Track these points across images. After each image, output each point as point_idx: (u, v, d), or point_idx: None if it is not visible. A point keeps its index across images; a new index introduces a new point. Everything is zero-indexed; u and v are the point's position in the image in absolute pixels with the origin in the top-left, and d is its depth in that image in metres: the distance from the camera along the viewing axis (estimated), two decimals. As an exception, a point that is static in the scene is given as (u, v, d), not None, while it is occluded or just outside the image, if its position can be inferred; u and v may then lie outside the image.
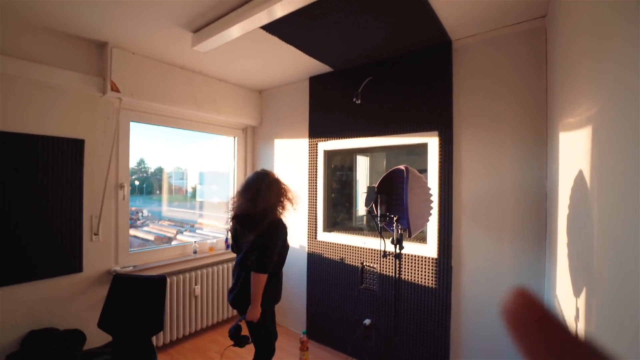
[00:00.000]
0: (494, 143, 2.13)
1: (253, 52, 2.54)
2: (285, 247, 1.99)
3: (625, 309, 0.76)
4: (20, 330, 2.10)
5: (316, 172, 3.05)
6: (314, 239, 3.04)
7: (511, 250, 2.06)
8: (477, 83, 2.20)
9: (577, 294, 1.19)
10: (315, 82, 3.08)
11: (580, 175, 1.18)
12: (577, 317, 1.17)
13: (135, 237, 3.53)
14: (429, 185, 2.10)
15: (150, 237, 3.55)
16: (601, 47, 0.97)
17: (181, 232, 3.89)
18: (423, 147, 2.43)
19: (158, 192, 3.92)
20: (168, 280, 2.69)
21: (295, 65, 2.81)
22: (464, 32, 2.17)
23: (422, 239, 2.44)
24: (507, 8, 1.89)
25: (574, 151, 1.29)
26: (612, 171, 0.88)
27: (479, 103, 2.19)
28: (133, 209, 3.66)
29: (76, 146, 2.33)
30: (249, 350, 2.77)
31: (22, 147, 2.09)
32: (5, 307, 2.04)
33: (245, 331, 1.93)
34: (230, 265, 3.35)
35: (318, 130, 3.05)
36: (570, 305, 1.28)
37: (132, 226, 3.54)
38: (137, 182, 3.52)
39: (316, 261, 3.02)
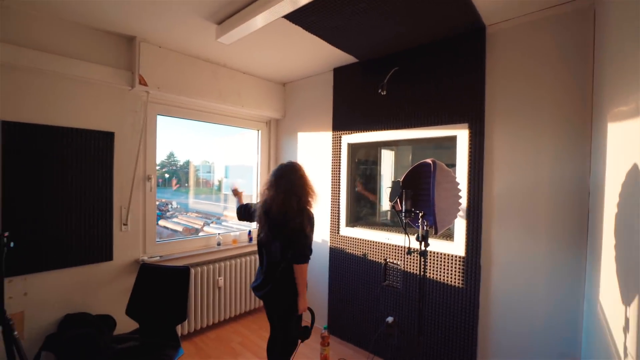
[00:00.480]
0: (531, 136, 1.98)
1: (276, 43, 2.51)
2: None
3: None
4: (58, 313, 2.22)
5: (339, 165, 3.00)
6: (336, 234, 3.00)
7: (547, 249, 1.92)
8: (512, 71, 2.05)
9: (626, 302, 1.07)
10: (339, 74, 3.01)
11: (634, 169, 1.06)
12: (625, 328, 1.06)
13: (165, 227, 3.66)
14: (458, 180, 1.99)
15: (179, 228, 3.65)
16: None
17: (208, 224, 3.98)
18: (451, 141, 2.31)
19: (186, 184, 4.03)
20: (192, 271, 2.76)
21: (319, 56, 2.76)
22: (499, 16, 2.02)
23: (448, 236, 2.34)
24: (550, -12, 1.73)
25: (626, 143, 1.16)
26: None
27: (514, 92, 2.04)
28: (163, 200, 3.79)
29: (107, 139, 2.41)
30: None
31: (57, 140, 2.19)
32: (44, 291, 2.16)
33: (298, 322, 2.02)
34: (254, 257, 3.39)
35: (342, 122, 2.98)
36: (617, 313, 1.16)
37: (162, 217, 3.67)
38: (167, 175, 3.63)
39: (338, 256, 2.98)
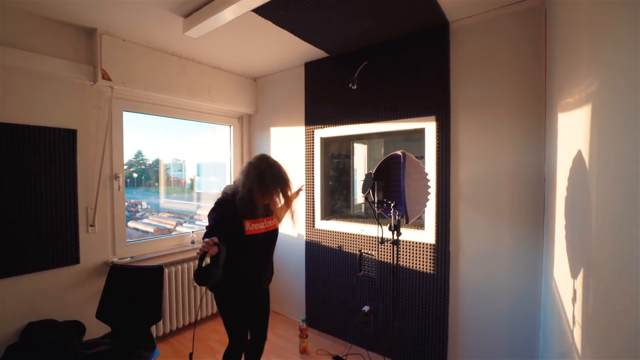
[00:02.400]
0: (492, 127, 2.10)
1: (247, 37, 2.48)
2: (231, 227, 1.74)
3: (623, 288, 0.75)
4: (19, 322, 2.10)
5: (313, 159, 3.02)
6: (311, 227, 3.03)
7: (509, 234, 2.06)
8: (474, 66, 2.16)
9: (574, 275, 1.18)
10: (311, 68, 3.03)
11: (579, 155, 1.16)
12: (574, 299, 1.17)
13: (135, 229, 3.52)
14: (427, 170, 2.07)
15: (150, 229, 3.54)
16: (603, 23, 0.94)
17: (181, 224, 3.88)
18: (420, 133, 2.40)
19: (156, 184, 3.90)
20: (166, 270, 2.69)
21: (290, 50, 2.76)
22: (461, 12, 2.12)
23: (419, 225, 2.44)
24: (506, -13, 1.84)
25: (572, 131, 1.27)
26: (611, 149, 0.86)
27: (476, 86, 2.16)
28: (132, 201, 3.65)
29: (68, 136, 2.29)
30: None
31: (13, 138, 2.05)
32: (4, 299, 2.03)
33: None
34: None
35: (314, 117, 3.00)
36: (567, 286, 1.27)
37: (132, 218, 3.53)
38: (135, 175, 3.49)
39: (314, 249, 3.02)
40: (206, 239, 1.54)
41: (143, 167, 3.65)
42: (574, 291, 1.16)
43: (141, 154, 3.44)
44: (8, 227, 2.04)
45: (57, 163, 2.23)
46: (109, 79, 2.37)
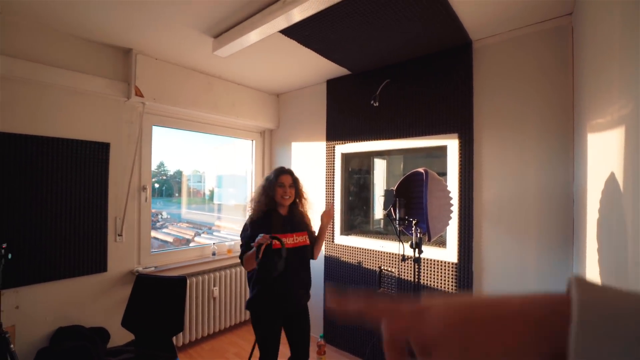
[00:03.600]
0: (517, 145, 2.07)
1: (272, 56, 2.58)
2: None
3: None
4: (49, 327, 2.18)
5: (333, 175, 3.05)
6: (331, 242, 3.03)
7: (536, 254, 1.99)
8: (498, 84, 2.15)
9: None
10: (333, 85, 3.09)
11: (612, 177, 1.13)
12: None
13: (155, 238, 3.62)
14: (449, 188, 2.06)
15: (170, 239, 3.63)
16: (635, 40, 0.93)
17: (199, 234, 3.96)
18: (442, 150, 2.39)
19: (177, 194, 4.02)
20: (188, 281, 2.75)
21: (313, 68, 2.83)
22: (484, 32, 2.13)
23: (441, 243, 2.40)
24: (530, 7, 1.84)
25: (604, 153, 1.24)
26: (649, 173, 0.84)
27: (500, 104, 2.14)
28: (153, 211, 3.77)
29: (102, 149, 2.41)
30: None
31: (53, 150, 2.19)
32: (37, 304, 2.13)
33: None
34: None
35: (335, 133, 3.05)
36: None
37: (152, 228, 3.64)
38: (156, 185, 3.62)
39: (333, 264, 3.01)
40: (260, 235, 1.68)
41: (165, 177, 3.78)
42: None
43: (163, 165, 3.57)
44: (43, 235, 2.15)
45: (91, 174, 2.36)
46: (142, 96, 2.51)
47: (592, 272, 1.38)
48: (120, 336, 2.35)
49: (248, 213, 1.97)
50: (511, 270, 2.08)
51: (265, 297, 1.78)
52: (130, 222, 2.57)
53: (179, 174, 3.96)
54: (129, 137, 2.56)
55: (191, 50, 2.49)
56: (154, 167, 2.78)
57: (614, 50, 1.14)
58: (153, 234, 3.56)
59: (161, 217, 3.96)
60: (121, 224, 2.51)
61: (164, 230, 3.92)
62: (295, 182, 1.96)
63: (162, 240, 3.59)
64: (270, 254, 1.68)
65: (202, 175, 4.37)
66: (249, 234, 1.84)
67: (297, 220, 1.93)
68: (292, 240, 1.86)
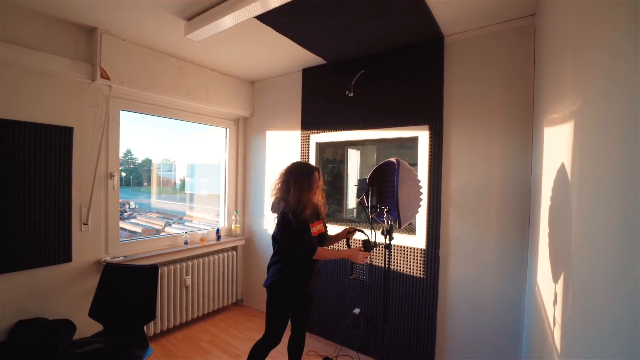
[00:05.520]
0: (483, 138, 2.20)
1: (246, 42, 2.53)
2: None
3: (600, 291, 0.82)
4: (8, 320, 2.07)
5: (308, 164, 3.07)
6: (305, 230, 3.07)
7: (496, 241, 2.14)
8: (466, 79, 2.26)
9: (555, 280, 1.26)
10: (308, 74, 3.09)
11: (562, 168, 1.25)
12: (555, 302, 1.25)
13: (122, 229, 3.50)
14: (419, 177, 2.15)
15: (138, 230, 3.52)
16: (586, 44, 1.02)
17: (169, 225, 3.87)
18: (413, 141, 2.48)
19: (146, 184, 3.89)
20: (159, 269, 2.69)
21: (289, 56, 2.81)
22: (455, 28, 2.21)
23: (411, 230, 2.51)
24: (498, 6, 1.94)
25: (557, 145, 1.35)
26: (590, 163, 0.94)
27: (468, 98, 2.25)
28: (120, 200, 3.62)
29: (65, 134, 2.28)
30: (242, 339, 2.82)
31: (9, 134, 2.04)
32: (-7, 296, 2.01)
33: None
34: (223, 255, 3.38)
35: (310, 122, 3.06)
36: (549, 290, 1.35)
37: (120, 218, 3.50)
38: (123, 174, 3.48)
39: (307, 252, 3.05)
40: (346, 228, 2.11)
41: (132, 166, 3.64)
42: (555, 294, 1.24)
43: (130, 152, 3.43)
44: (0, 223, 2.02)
45: (52, 160, 2.23)
46: (108, 78, 2.38)
47: (543, 255, 1.52)
48: (87, 328, 2.28)
49: (281, 201, 1.93)
50: (473, 254, 2.22)
51: (296, 279, 1.92)
52: (96, 211, 2.47)
53: (147, 162, 3.82)
54: (95, 121, 2.44)
55: (162, 33, 2.39)
56: (120, 155, 2.67)
57: (567, 52, 1.24)
58: (120, 224, 3.42)
59: (129, 207, 3.82)
60: (87, 212, 2.40)
61: (132, 220, 3.79)
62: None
63: (130, 231, 3.48)
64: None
65: (173, 164, 4.24)
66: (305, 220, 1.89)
67: (318, 211, 2.05)
68: (316, 229, 1.98)
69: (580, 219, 1.02)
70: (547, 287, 1.39)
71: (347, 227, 2.16)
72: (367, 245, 2.00)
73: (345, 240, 2.14)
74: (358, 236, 2.73)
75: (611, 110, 0.80)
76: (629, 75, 0.71)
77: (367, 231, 2.13)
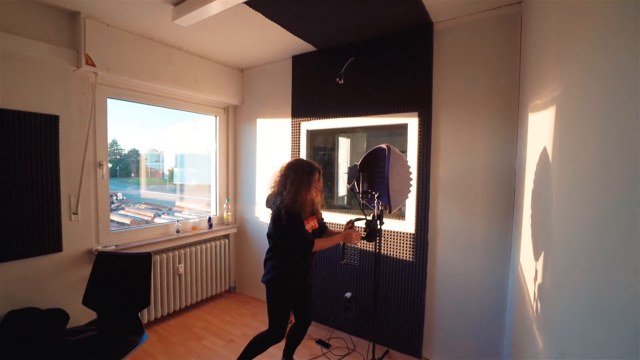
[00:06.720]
0: (470, 124, 2.25)
1: (236, 28, 2.50)
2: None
3: (576, 265, 0.89)
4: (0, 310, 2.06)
5: (299, 151, 3.09)
6: (297, 218, 3.10)
7: (482, 224, 2.22)
8: (455, 65, 2.29)
9: (536, 257, 1.34)
10: (299, 61, 3.07)
11: (544, 152, 1.30)
12: (535, 278, 1.32)
13: (111, 221, 3.47)
14: (409, 164, 2.20)
15: (127, 221, 3.49)
16: (568, 35, 1.06)
17: (159, 215, 3.85)
18: (403, 128, 2.52)
19: (133, 175, 3.84)
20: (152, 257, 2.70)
21: (279, 43, 2.79)
22: (444, 14, 2.23)
23: (401, 215, 2.57)
24: (486, -7, 1.96)
25: (540, 130, 1.41)
26: (569, 146, 0.99)
27: (457, 85, 2.29)
28: (108, 191, 3.57)
29: (50, 122, 2.23)
30: (236, 325, 2.86)
31: (-8, 123, 1.99)
32: (-17, 287, 1.99)
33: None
34: (215, 244, 3.40)
35: (301, 110, 3.06)
36: (530, 267, 1.43)
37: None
38: (110, 165, 3.43)
39: (299, 239, 3.09)
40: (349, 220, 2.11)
41: (118, 157, 3.58)
42: (535, 271, 1.31)
43: (116, 143, 3.37)
44: (-12, 213, 1.99)
45: (38, 149, 2.19)
46: (93, 65, 2.33)
47: (526, 235, 1.60)
48: (80, 316, 2.28)
49: (278, 196, 1.93)
50: (460, 238, 2.30)
51: (294, 273, 1.92)
52: (86, 200, 2.45)
53: (134, 153, 3.76)
54: (81, 109, 2.39)
55: (148, 18, 2.34)
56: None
57: (550, 40, 1.28)
58: (109, 216, 3.39)
59: (116, 199, 3.77)
60: (76, 202, 2.38)
61: (120, 212, 3.75)
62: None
63: (118, 223, 3.45)
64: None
65: (160, 155, 4.19)
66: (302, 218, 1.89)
67: (314, 207, 2.05)
68: (310, 225, 1.98)
69: (559, 199, 1.08)
70: (529, 265, 1.47)
71: (349, 221, 2.14)
72: (371, 234, 2.01)
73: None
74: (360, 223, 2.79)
75: (588, 97, 0.85)
76: (604, 66, 0.75)
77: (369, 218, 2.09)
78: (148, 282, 2.05)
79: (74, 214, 2.38)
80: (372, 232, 2.01)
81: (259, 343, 1.98)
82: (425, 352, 2.47)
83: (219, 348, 2.59)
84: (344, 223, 2.79)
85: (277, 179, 1.97)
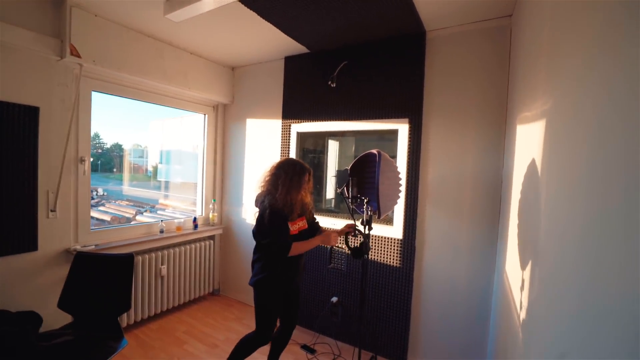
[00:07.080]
0: (459, 133, 2.29)
1: (229, 26, 2.46)
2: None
3: (563, 276, 0.90)
4: (-34, 312, 1.94)
5: (288, 153, 3.07)
6: (284, 220, 3.08)
7: (468, 231, 2.26)
8: (446, 74, 2.33)
9: (523, 267, 1.36)
10: (291, 63, 3.06)
11: (532, 163, 1.33)
12: (522, 287, 1.35)
13: (91, 217, 3.34)
14: (399, 169, 2.21)
15: (107, 218, 3.38)
16: (560, 52, 1.09)
17: (141, 213, 3.74)
18: (393, 134, 2.54)
19: (115, 170, 3.72)
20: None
21: (272, 43, 2.77)
22: (437, 23, 2.27)
23: (389, 221, 2.58)
24: (478, 4, 2.00)
25: (528, 141, 1.44)
26: (558, 159, 1.02)
27: (447, 93, 2.33)
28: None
29: (29, 114, 2.13)
30: (219, 328, 2.80)
31: (-34, 112, 1.89)
32: (-51, 287, 1.87)
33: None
34: (200, 245, 3.33)
35: (291, 111, 3.04)
36: (516, 277, 1.46)
37: (89, 205, 3.34)
38: (91, 159, 3.31)
39: (286, 241, 3.07)
40: (349, 223, 2.08)
41: (100, 151, 3.46)
42: (522, 280, 1.33)
43: (98, 136, 3.26)
44: (-43, 208, 1.88)
45: (16, 142, 2.08)
46: (78, 56, 2.24)
47: (512, 244, 1.63)
48: (54, 320, 2.18)
49: (267, 196, 1.88)
50: (447, 243, 2.33)
51: (282, 276, 1.89)
52: (65, 197, 2.35)
53: (117, 147, 3.65)
54: (64, 102, 2.29)
55: (139, 11, 2.27)
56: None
57: (542, 54, 1.31)
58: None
59: (97, 194, 3.64)
60: (54, 198, 2.27)
61: (100, 208, 3.62)
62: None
63: (98, 219, 3.33)
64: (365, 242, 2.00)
65: (145, 150, 4.07)
66: (282, 219, 1.83)
67: (305, 208, 2.01)
68: (298, 226, 1.94)
69: (547, 210, 1.10)
70: (515, 274, 1.50)
71: (348, 223, 2.11)
72: (360, 252, 2.00)
73: (344, 237, 2.11)
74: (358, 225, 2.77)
75: (578, 113, 0.87)
76: (596, 83, 0.77)
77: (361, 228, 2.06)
78: (129, 285, 1.98)
79: (51, 211, 2.27)
80: (362, 251, 1.99)
81: (246, 345, 1.94)
82: (411, 356, 2.48)
83: (202, 353, 2.52)
84: (330, 227, 2.79)
85: (267, 178, 1.93)
